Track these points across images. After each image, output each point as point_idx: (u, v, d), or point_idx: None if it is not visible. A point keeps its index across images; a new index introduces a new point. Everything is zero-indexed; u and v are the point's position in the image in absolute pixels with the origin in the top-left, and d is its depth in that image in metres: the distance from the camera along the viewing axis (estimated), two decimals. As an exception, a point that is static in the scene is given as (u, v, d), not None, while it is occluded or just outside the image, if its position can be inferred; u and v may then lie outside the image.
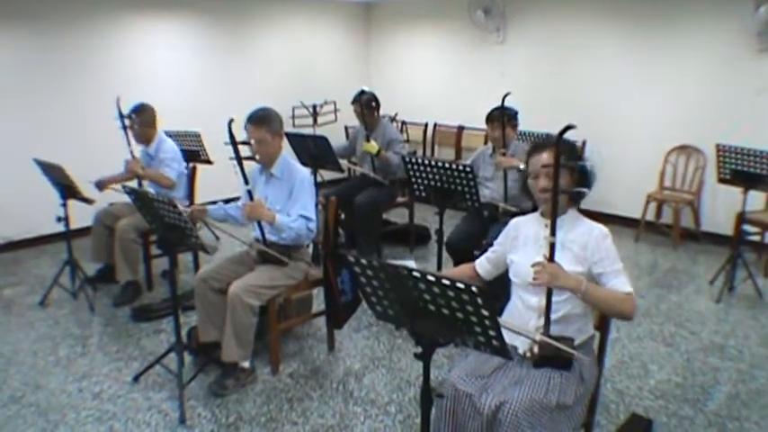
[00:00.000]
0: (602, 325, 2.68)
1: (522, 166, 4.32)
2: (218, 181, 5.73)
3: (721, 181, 5.05)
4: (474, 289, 1.82)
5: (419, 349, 2.09)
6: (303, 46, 8.49)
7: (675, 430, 3.24)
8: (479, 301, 1.85)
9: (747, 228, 5.36)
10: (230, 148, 3.46)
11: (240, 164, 3.47)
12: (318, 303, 4.32)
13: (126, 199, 3.73)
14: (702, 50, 6.29)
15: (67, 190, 4.46)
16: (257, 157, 3.60)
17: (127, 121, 4.74)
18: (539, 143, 2.64)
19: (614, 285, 2.43)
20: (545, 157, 2.52)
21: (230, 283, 3.51)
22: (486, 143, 8.00)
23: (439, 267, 4.34)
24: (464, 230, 4.59)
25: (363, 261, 2.03)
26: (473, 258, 4.61)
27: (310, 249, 4.16)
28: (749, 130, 5.86)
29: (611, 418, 3.33)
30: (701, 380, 3.77)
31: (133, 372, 3.70)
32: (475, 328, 1.97)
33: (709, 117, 6.29)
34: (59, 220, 4.49)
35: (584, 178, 2.55)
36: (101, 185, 4.80)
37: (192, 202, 5.18)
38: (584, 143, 7.02)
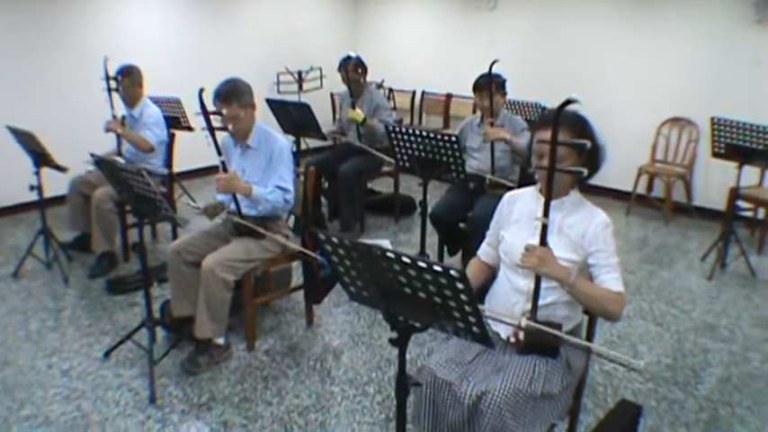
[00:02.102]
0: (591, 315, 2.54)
1: (508, 137, 4.19)
2: (198, 148, 5.57)
3: (715, 155, 4.92)
4: (453, 273, 1.67)
5: (394, 335, 1.96)
6: (289, 10, 8.22)
7: (665, 416, 3.14)
8: (459, 285, 1.71)
9: (740, 203, 5.25)
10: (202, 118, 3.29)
11: (213, 135, 3.29)
12: (298, 276, 4.18)
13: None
14: (698, 20, 6.12)
15: (41, 158, 4.27)
16: (232, 131, 3.43)
17: (113, 83, 4.56)
18: (543, 118, 2.42)
19: (606, 281, 2.27)
20: (544, 133, 2.28)
21: (204, 257, 3.37)
22: (474, 112, 7.87)
23: (423, 239, 4.21)
24: (449, 202, 4.44)
25: (334, 239, 1.88)
26: (457, 231, 4.55)
27: (291, 221, 4.02)
28: (744, 102, 5.73)
29: (599, 401, 3.23)
30: (691, 362, 3.67)
31: (104, 347, 3.56)
32: (454, 314, 1.83)
33: (704, 89, 6.15)
34: (32, 188, 4.31)
35: (594, 158, 2.34)
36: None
37: (170, 170, 5.00)
38: (575, 114, 6.86)
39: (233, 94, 3.37)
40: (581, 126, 2.34)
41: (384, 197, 6.14)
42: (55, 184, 4.73)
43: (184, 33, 7.10)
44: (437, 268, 1.70)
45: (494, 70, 4.19)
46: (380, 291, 1.93)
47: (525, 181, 4.34)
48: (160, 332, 3.65)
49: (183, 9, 7.04)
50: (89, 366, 3.40)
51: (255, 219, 3.46)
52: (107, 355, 3.48)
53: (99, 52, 4.58)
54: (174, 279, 3.50)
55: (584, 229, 2.32)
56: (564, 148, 2.23)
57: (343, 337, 3.79)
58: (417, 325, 1.93)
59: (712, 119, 4.78)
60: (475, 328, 1.84)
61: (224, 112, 3.34)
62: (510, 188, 4.28)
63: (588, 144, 2.22)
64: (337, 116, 5.96)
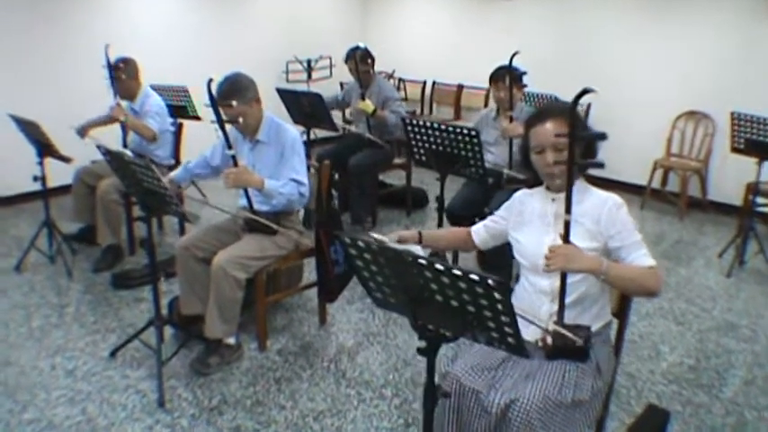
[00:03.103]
0: (622, 311, 2.43)
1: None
2: (207, 138, 5.45)
3: (735, 150, 4.79)
4: (491, 282, 1.56)
5: (423, 344, 1.85)
6: (297, -2, 8.08)
7: (691, 420, 3.03)
8: (496, 295, 1.59)
9: (757, 199, 5.13)
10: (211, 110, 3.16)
11: (222, 127, 3.16)
12: (309, 272, 4.07)
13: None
14: (715, 14, 5.98)
15: (44, 148, 4.16)
16: (242, 128, 3.31)
17: (116, 72, 4.43)
18: (540, 111, 2.30)
19: (635, 260, 2.16)
20: (549, 127, 2.19)
21: (215, 253, 3.25)
22: (486, 103, 7.73)
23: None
24: (465, 197, 4.32)
25: (360, 243, 1.76)
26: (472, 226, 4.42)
27: (301, 214, 3.90)
28: (761, 96, 5.58)
29: (622, 404, 3.12)
30: (714, 363, 3.55)
31: (110, 346, 3.45)
32: (488, 323, 1.72)
33: (720, 83, 6.01)
34: (36, 179, 4.19)
35: (591, 147, 2.28)
36: (82, 132, 4.58)
37: (177, 161, 4.88)
38: (588, 106, 6.73)
39: (234, 91, 3.22)
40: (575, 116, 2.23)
41: (396, 190, 6.00)
42: (58, 173, 4.58)
43: (191, 21, 6.96)
44: (474, 277, 1.58)
45: (521, 65, 4.06)
46: (409, 298, 1.82)
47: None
48: (168, 330, 3.53)
49: (189, -3, 6.91)
50: (94, 366, 3.29)
51: (268, 214, 3.33)
52: (113, 354, 3.37)
53: (103, 41, 4.44)
54: (182, 276, 3.39)
55: (597, 215, 2.22)
56: (566, 140, 2.13)
57: (357, 337, 3.68)
58: (448, 334, 1.82)
59: (732, 114, 4.65)
60: (510, 339, 1.73)
61: (228, 111, 3.19)
62: (527, 182, 4.19)
63: (607, 135, 2.13)
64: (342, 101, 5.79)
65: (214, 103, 3.11)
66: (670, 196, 6.36)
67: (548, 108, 2.33)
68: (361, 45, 5.33)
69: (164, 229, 5.24)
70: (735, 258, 4.86)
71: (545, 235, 2.27)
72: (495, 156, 4.30)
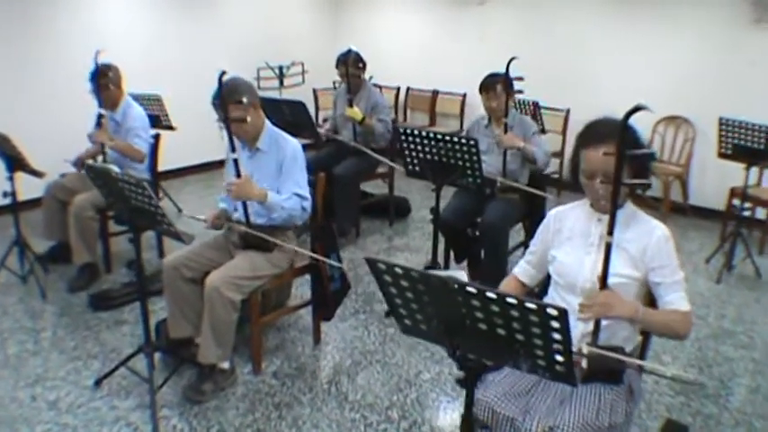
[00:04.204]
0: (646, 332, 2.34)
1: (522, 145, 3.96)
2: (178, 148, 5.26)
3: (722, 156, 4.78)
4: (551, 311, 1.44)
5: (461, 374, 1.72)
6: (268, 2, 7.89)
7: (702, 432, 2.97)
8: (555, 324, 1.48)
9: (738, 203, 5.15)
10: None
11: (228, 128, 2.96)
12: (296, 288, 3.95)
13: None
14: (695, 18, 6.00)
15: (15, 162, 3.92)
16: (239, 134, 3.12)
17: (101, 80, 4.19)
18: (596, 132, 2.11)
19: (673, 301, 2.09)
20: (598, 153, 2.04)
21: (206, 272, 3.07)
22: (462, 109, 7.66)
23: (434, 249, 3.96)
24: (457, 207, 4.20)
25: (398, 270, 1.63)
26: (466, 238, 4.31)
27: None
28: (741, 101, 5.62)
29: (635, 419, 3.02)
30: (717, 372, 3.51)
31: (94, 373, 3.23)
32: (536, 352, 1.60)
33: (700, 87, 6.04)
34: (6, 195, 3.95)
35: (644, 166, 2.13)
36: (79, 165, 4.37)
37: (155, 174, 4.66)
38: (567, 111, 6.70)
39: (233, 94, 3.01)
40: (634, 137, 2.11)
41: (378, 199, 5.85)
42: (28, 186, 4.31)
43: (159, 27, 6.72)
44: (530, 305, 1.47)
45: (495, 69, 3.96)
46: (447, 326, 1.69)
47: (536, 185, 4.18)
48: (156, 355, 3.33)
49: (157, 1, 6.66)
50: (79, 397, 3.06)
51: (263, 228, 3.16)
52: (98, 383, 3.14)
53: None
54: (170, 298, 3.19)
55: (644, 245, 2.12)
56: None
57: (354, 356, 3.52)
58: (490, 363, 1.69)
59: (720, 119, 4.64)
60: (559, 367, 1.62)
61: (238, 109, 3.01)
62: (521, 191, 4.11)
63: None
64: (330, 113, 5.64)
65: (222, 100, 2.92)
66: (650, 201, 6.34)
67: (599, 129, 2.13)
68: (354, 48, 5.15)
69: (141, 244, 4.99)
70: (723, 265, 4.84)
71: (586, 255, 2.18)
72: (487, 164, 4.17)
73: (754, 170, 5.43)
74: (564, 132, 6.73)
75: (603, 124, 2.15)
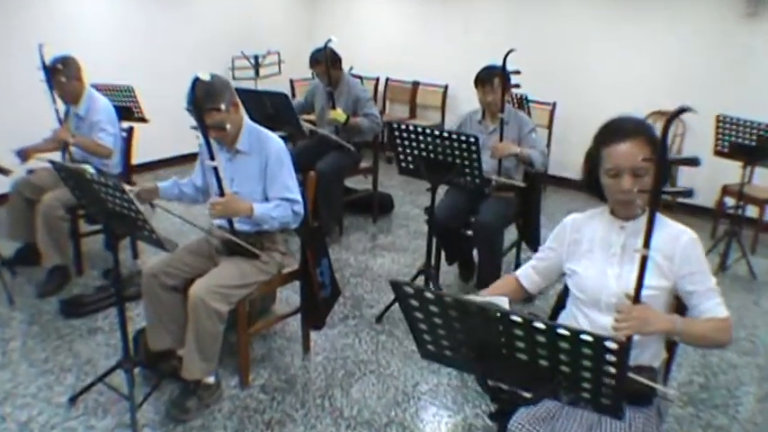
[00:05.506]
0: (670, 344, 2.18)
1: (518, 151, 3.78)
2: (152, 141, 4.98)
3: (718, 154, 4.68)
4: (609, 345, 1.26)
5: (493, 407, 1.54)
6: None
7: (717, 447, 2.84)
8: (611, 358, 1.29)
9: (728, 201, 5.07)
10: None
11: (205, 134, 2.74)
12: (281, 291, 3.74)
13: (48, 165, 2.97)
14: (686, 11, 5.89)
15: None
16: (218, 139, 2.88)
17: (54, 75, 3.90)
18: (616, 128, 1.97)
19: (710, 309, 1.92)
20: (628, 148, 1.89)
21: (188, 280, 2.85)
22: (443, 101, 7.47)
23: (429, 250, 3.76)
24: (450, 206, 4.01)
25: (428, 295, 1.43)
26: (459, 237, 4.13)
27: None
28: (733, 96, 5.52)
29: None
30: (723, 380, 3.40)
31: (68, 389, 2.98)
32: (582, 384, 1.43)
33: (691, 82, 5.93)
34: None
35: (670, 169, 1.99)
36: (24, 155, 4.04)
37: (128, 170, 4.40)
38: (554, 105, 6.56)
39: (214, 96, 2.74)
40: (655, 135, 1.95)
41: (362, 195, 5.63)
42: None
43: (129, 14, 6.37)
44: (586, 338, 1.28)
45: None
46: (479, 354, 1.50)
47: (532, 184, 4.01)
48: (135, 369, 3.09)
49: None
50: (53, 416, 2.80)
51: (249, 235, 2.95)
52: (73, 400, 2.88)
53: (36, 39, 3.90)
54: (150, 307, 2.95)
55: (671, 251, 1.95)
56: (644, 163, 1.86)
57: (347, 366, 3.31)
58: (527, 396, 1.51)
59: (717, 116, 4.54)
60: (605, 400, 1.45)
61: (215, 116, 2.75)
62: (517, 188, 3.94)
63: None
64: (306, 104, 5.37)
65: (198, 105, 2.68)
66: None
67: (622, 125, 1.98)
68: (331, 42, 4.84)
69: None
70: (718, 265, 4.74)
71: (609, 267, 1.99)
72: (482, 162, 4.00)
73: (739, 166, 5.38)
74: (550, 126, 6.58)
75: (625, 120, 2.00)
